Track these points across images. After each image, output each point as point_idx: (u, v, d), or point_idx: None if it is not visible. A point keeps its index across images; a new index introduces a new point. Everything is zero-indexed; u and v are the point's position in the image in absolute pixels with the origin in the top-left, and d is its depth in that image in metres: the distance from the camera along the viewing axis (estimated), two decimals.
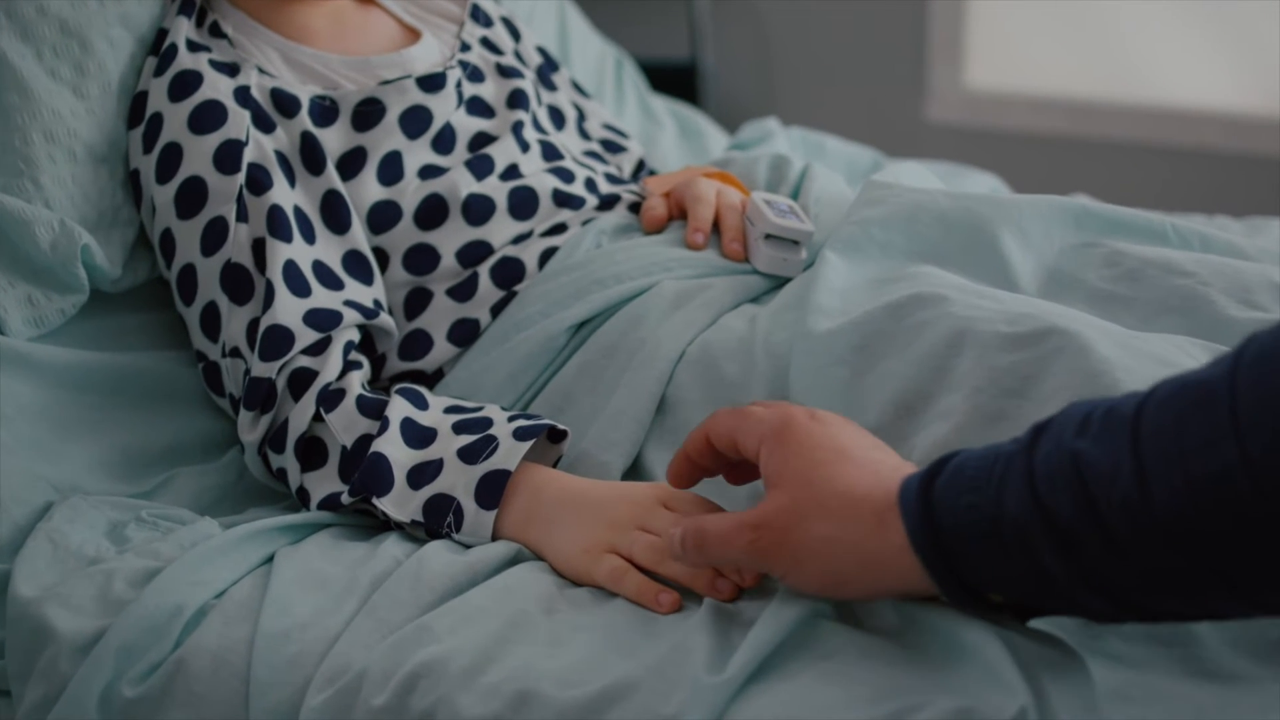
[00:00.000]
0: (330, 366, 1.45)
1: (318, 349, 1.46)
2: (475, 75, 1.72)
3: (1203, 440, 0.87)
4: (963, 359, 1.25)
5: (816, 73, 3.77)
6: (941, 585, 1.02)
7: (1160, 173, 3.42)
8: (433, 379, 1.58)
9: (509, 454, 1.34)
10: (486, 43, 1.80)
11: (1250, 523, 0.86)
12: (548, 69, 1.88)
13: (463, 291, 1.58)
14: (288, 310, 1.46)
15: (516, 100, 1.72)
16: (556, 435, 1.43)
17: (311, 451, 1.43)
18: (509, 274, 1.58)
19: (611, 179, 1.75)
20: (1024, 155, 3.54)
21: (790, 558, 1.08)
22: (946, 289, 1.32)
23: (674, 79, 3.22)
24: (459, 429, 1.39)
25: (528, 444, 1.35)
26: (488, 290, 1.57)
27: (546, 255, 1.59)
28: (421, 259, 1.58)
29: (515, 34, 1.87)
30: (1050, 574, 0.96)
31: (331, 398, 1.43)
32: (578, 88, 1.94)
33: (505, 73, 1.75)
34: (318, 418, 1.43)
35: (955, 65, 3.66)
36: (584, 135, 1.84)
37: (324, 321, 1.47)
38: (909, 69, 3.69)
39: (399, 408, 1.41)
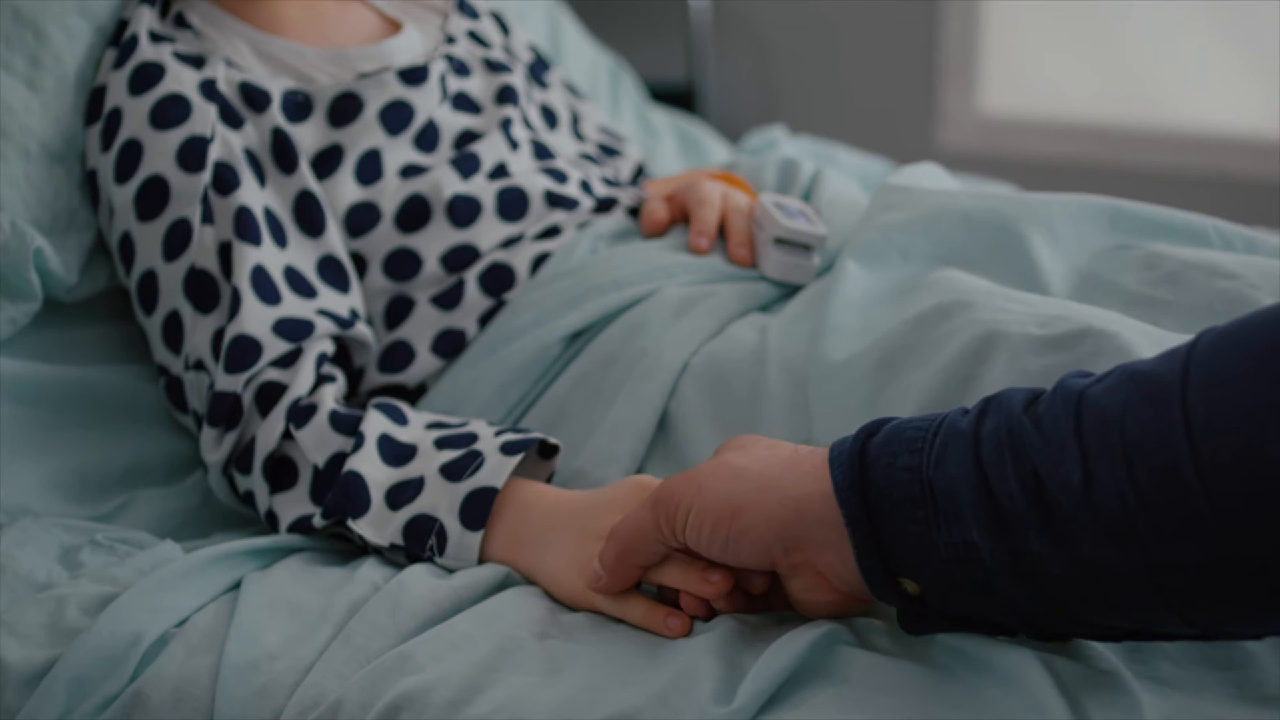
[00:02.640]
0: (301, 380, 1.42)
1: (287, 361, 1.43)
2: (461, 69, 1.69)
3: (1149, 431, 0.88)
4: (992, 364, 1.22)
5: (822, 96, 3.76)
6: (859, 548, 1.01)
7: (1185, 201, 3.37)
8: (415, 394, 1.55)
9: (495, 470, 1.31)
10: (473, 36, 1.76)
11: (1193, 522, 0.86)
12: (540, 67, 1.85)
13: (448, 299, 1.55)
14: (255, 319, 1.42)
15: (505, 96, 1.68)
16: (548, 450, 1.40)
17: (281, 471, 1.40)
18: (498, 281, 1.55)
19: (608, 182, 1.72)
20: (1040, 183, 3.48)
21: (695, 489, 1.10)
22: (971, 294, 1.30)
23: (671, 104, 3.19)
24: (441, 445, 1.36)
25: (515, 459, 1.31)
26: (475, 298, 1.54)
27: (539, 261, 1.56)
28: (403, 264, 1.55)
29: (504, 28, 1.84)
30: (977, 551, 0.95)
31: (302, 413, 1.40)
32: (572, 89, 1.90)
33: (493, 67, 1.72)
34: (287, 435, 1.40)
35: (968, 88, 3.67)
36: (578, 137, 1.82)
37: (295, 331, 1.43)
38: (919, 92, 3.69)
39: (375, 423, 1.37)
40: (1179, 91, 3.57)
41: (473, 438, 1.35)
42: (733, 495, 1.07)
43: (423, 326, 1.54)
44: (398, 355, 1.54)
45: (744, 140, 2.25)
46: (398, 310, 1.55)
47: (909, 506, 0.98)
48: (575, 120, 1.84)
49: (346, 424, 1.38)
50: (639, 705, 1.05)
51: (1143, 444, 0.87)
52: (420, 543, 1.29)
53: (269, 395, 1.41)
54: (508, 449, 1.32)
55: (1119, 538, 0.89)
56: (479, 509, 1.29)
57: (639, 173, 1.85)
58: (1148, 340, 1.17)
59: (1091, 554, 0.90)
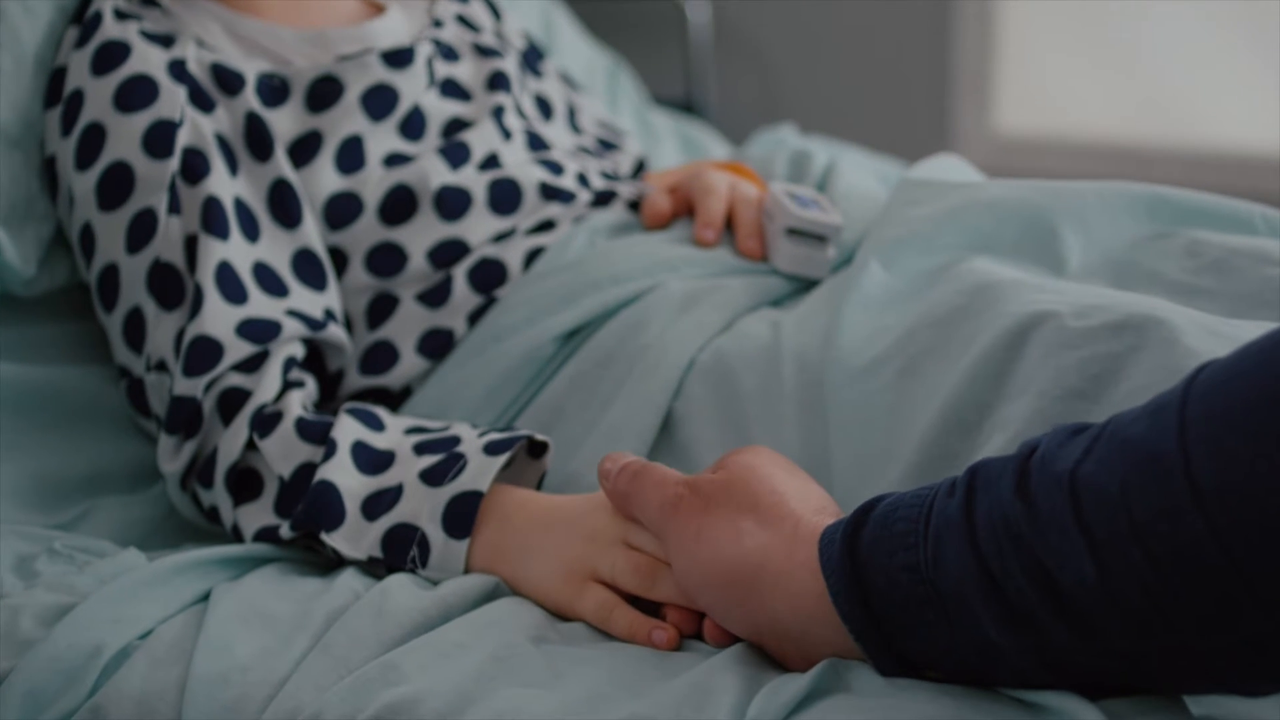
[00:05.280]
0: (266, 385, 1.39)
1: (252, 365, 1.41)
2: (449, 54, 1.66)
3: (1159, 511, 0.85)
4: (1024, 361, 1.19)
5: (830, 116, 3.74)
6: (874, 657, 1.00)
7: None
8: (399, 397, 1.52)
9: (479, 473, 1.28)
10: (462, 20, 1.74)
11: (1227, 599, 0.84)
12: (533, 55, 1.83)
13: (435, 297, 1.52)
14: (218, 319, 1.40)
15: (497, 82, 1.66)
16: (538, 450, 1.37)
17: (245, 483, 1.37)
18: (489, 277, 1.52)
19: (607, 176, 1.69)
20: None
21: (694, 534, 1.09)
22: (999, 286, 1.27)
23: None
24: (421, 449, 1.33)
25: (500, 459, 1.28)
26: (464, 295, 1.51)
27: (532, 256, 1.54)
28: (387, 259, 1.52)
29: (495, 13, 1.82)
30: (998, 647, 0.94)
31: (266, 421, 1.37)
32: (568, 80, 1.88)
33: (484, 53, 1.69)
34: (251, 445, 1.37)
35: (982, 106, 3.66)
36: (575, 130, 1.79)
37: (260, 333, 1.41)
38: (932, 111, 3.67)
39: (348, 430, 1.35)
40: (1202, 109, 3.56)
41: (455, 440, 1.32)
42: (727, 564, 1.06)
43: (407, 325, 1.52)
44: (380, 356, 1.51)
45: (750, 140, 2.22)
46: (381, 308, 1.52)
47: (915, 609, 0.96)
48: (571, 113, 1.81)
49: (315, 431, 1.35)
50: (651, 717, 1.02)
51: (1154, 526, 0.84)
52: (401, 554, 1.27)
53: (231, 402, 1.39)
54: (491, 449, 1.29)
55: (1147, 626, 0.87)
56: (463, 516, 1.26)
57: (639, 168, 1.82)
58: (1196, 327, 1.14)
59: (1121, 643, 0.88)
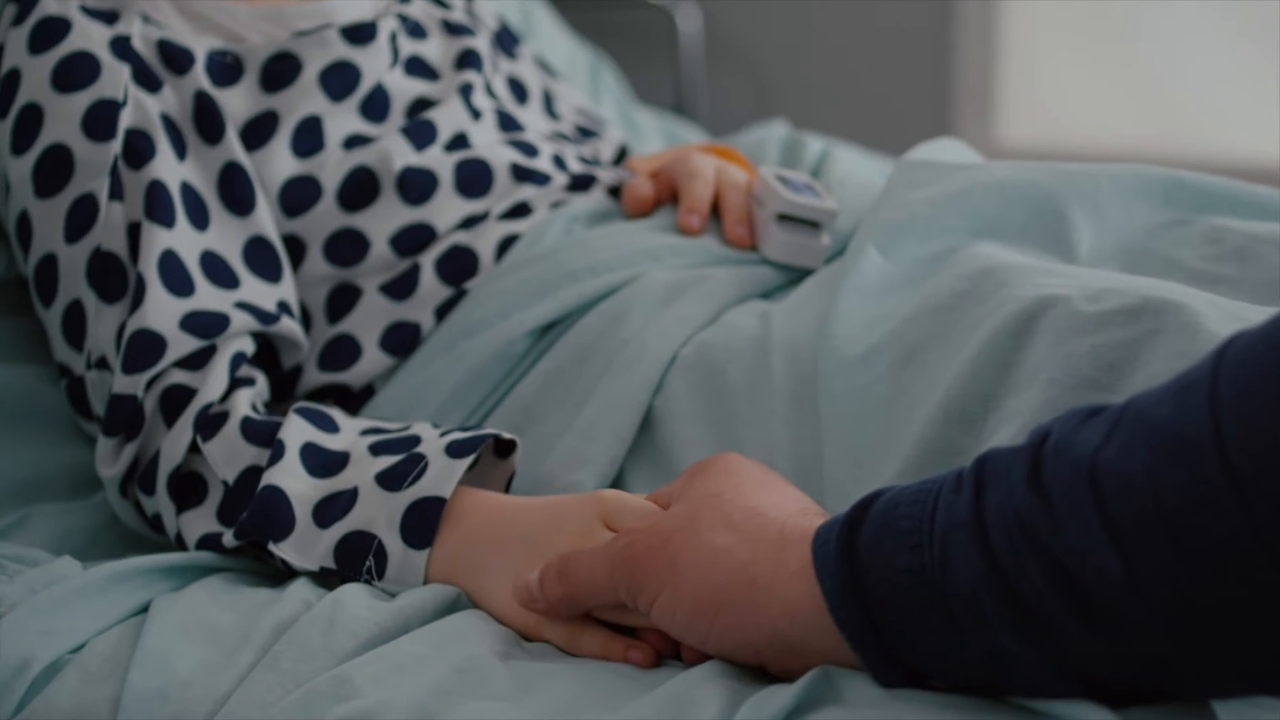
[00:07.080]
0: (212, 383, 1.34)
1: (197, 361, 1.36)
2: (416, 31, 1.62)
3: (1190, 500, 0.81)
4: (1032, 349, 1.14)
5: (825, 127, 3.70)
6: (875, 670, 0.96)
7: None
8: (360, 398, 1.48)
9: (441, 476, 1.23)
10: None
11: (1265, 592, 0.80)
12: (508, 38, 1.79)
13: (400, 288, 1.48)
14: (161, 312, 1.35)
15: (466, 60, 1.62)
16: (504, 448, 1.32)
17: (188, 488, 1.33)
18: (459, 267, 1.48)
19: (586, 161, 1.65)
20: None
21: (667, 566, 1.04)
22: (1006, 270, 1.23)
23: None
24: (378, 450, 1.28)
25: (464, 462, 1.23)
26: (432, 287, 1.47)
27: (505, 244, 1.50)
28: (347, 247, 1.48)
29: None
30: (1012, 656, 0.90)
31: (212, 422, 1.33)
32: (545, 67, 1.85)
33: (453, 30, 1.66)
34: (194, 448, 1.33)
35: (984, 117, 3.66)
36: (552, 115, 1.75)
37: (206, 327, 1.36)
38: (932, 121, 3.66)
39: (297, 430, 1.30)
40: (1209, 119, 3.57)
41: (415, 440, 1.28)
42: (714, 589, 1.02)
43: (370, 318, 1.47)
44: (341, 351, 1.47)
45: (741, 135, 2.18)
46: (342, 300, 1.48)
47: (920, 615, 0.92)
48: (548, 99, 1.77)
49: (261, 433, 1.31)
50: None
51: (1186, 516, 0.80)
52: (355, 564, 1.22)
53: (175, 401, 1.34)
54: (454, 450, 1.24)
55: (1177, 624, 0.83)
56: (423, 523, 1.21)
57: (621, 155, 1.79)
58: (1218, 312, 1.09)
59: (1148, 645, 0.84)
